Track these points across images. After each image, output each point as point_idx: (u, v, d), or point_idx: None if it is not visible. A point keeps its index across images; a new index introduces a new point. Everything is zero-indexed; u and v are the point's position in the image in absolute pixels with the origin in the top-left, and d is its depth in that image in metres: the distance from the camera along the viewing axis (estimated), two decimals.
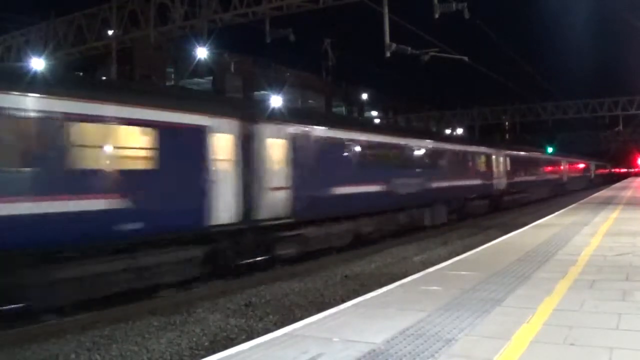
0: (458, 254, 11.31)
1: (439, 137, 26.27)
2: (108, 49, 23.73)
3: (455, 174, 22.51)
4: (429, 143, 20.96)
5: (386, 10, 16.16)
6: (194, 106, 10.73)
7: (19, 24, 26.54)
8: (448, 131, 43.33)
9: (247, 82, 37.58)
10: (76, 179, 8.61)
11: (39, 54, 23.41)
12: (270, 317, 8.92)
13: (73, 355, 7.26)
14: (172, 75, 33.75)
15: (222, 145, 10.97)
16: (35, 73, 9.43)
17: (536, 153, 39.87)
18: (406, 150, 19.00)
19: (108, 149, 9.28)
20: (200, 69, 29.28)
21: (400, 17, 16.78)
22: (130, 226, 9.13)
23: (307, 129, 13.63)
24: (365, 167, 15.90)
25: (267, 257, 12.35)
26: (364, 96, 50.05)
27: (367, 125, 22.37)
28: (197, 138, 10.49)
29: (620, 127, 49.16)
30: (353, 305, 6.59)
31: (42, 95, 8.30)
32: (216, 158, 10.82)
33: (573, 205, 23.57)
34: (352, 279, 11.98)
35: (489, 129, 50.84)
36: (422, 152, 20.08)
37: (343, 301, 7.99)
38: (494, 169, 27.52)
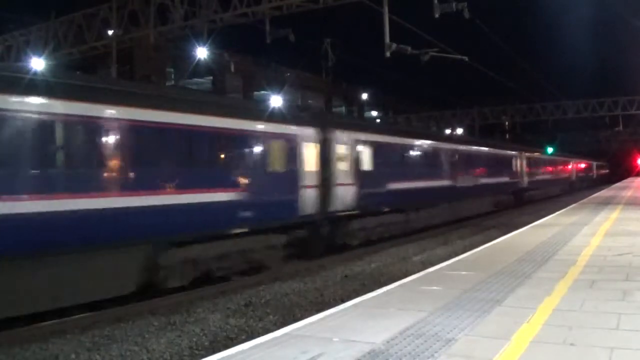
0: (458, 254, 11.31)
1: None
2: (108, 49, 23.73)
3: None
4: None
5: (386, 10, 16.16)
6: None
7: (19, 24, 26.54)
8: (448, 131, 43.30)
9: (247, 82, 37.62)
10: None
11: (39, 54, 23.39)
12: (270, 317, 8.93)
13: (73, 355, 7.26)
14: (172, 75, 33.77)
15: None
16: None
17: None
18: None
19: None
20: (200, 69, 29.26)
21: (400, 17, 16.77)
22: None
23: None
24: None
25: None
26: (364, 96, 50.06)
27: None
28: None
29: (620, 127, 49.18)
30: (353, 305, 6.59)
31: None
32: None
33: (573, 205, 23.57)
34: (352, 279, 11.99)
35: (489, 129, 50.85)
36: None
37: (343, 301, 7.99)
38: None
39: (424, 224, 20.03)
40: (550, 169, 43.73)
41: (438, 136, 27.07)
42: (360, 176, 15.61)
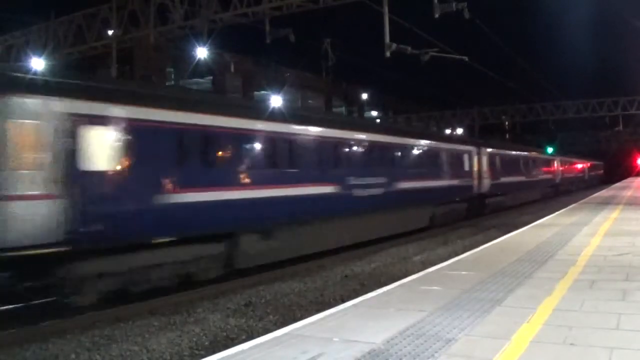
0: (458, 254, 11.32)
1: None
2: (108, 49, 23.74)
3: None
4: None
5: (386, 10, 16.17)
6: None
7: (19, 24, 26.56)
8: (448, 131, 43.34)
9: (247, 82, 37.63)
10: None
11: (39, 54, 23.41)
12: (270, 317, 8.93)
13: (73, 355, 7.26)
14: (172, 75, 33.79)
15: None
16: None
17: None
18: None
19: None
20: (200, 69, 29.29)
21: (400, 17, 16.79)
22: None
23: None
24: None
25: None
26: (364, 96, 50.11)
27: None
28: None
29: (621, 127, 49.21)
30: (353, 305, 6.59)
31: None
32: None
33: (573, 205, 23.57)
34: (352, 279, 11.98)
35: (489, 128, 50.88)
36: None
37: (343, 301, 7.99)
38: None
39: (276, 255, 12.56)
40: (525, 169, 34.75)
41: (302, 116, 15.62)
42: (78, 181, 8.55)
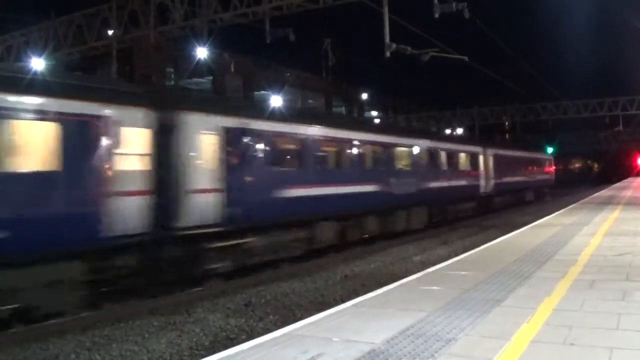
0: (458, 254, 11.32)
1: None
2: (108, 49, 23.75)
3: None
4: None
5: (386, 10, 16.17)
6: None
7: (19, 24, 26.59)
8: (448, 131, 43.38)
9: (247, 82, 37.60)
10: None
11: (39, 54, 23.44)
12: (270, 317, 8.92)
13: (73, 355, 7.26)
14: (172, 75, 33.78)
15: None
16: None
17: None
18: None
19: None
20: (200, 69, 29.31)
21: (400, 17, 16.80)
22: None
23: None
24: None
25: None
26: (364, 96, 50.10)
27: None
28: None
29: (621, 127, 49.25)
30: (353, 305, 6.59)
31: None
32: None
33: (573, 205, 23.58)
34: (352, 279, 11.98)
35: (489, 129, 50.91)
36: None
37: (343, 301, 7.99)
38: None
39: None
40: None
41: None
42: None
